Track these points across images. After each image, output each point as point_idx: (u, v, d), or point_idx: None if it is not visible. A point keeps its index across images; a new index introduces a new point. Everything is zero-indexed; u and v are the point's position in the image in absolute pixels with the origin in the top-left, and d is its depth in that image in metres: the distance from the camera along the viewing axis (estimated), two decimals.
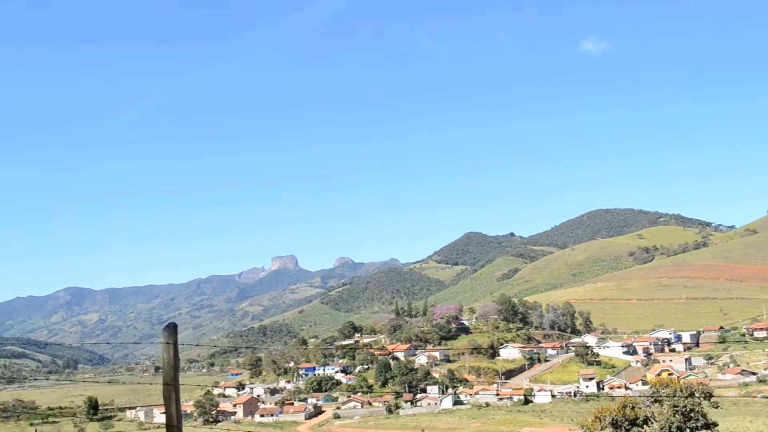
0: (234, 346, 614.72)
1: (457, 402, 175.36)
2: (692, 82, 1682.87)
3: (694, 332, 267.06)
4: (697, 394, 71.24)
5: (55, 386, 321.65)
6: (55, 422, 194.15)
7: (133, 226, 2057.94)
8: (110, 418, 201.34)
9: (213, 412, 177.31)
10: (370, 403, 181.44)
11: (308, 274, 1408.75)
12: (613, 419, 67.87)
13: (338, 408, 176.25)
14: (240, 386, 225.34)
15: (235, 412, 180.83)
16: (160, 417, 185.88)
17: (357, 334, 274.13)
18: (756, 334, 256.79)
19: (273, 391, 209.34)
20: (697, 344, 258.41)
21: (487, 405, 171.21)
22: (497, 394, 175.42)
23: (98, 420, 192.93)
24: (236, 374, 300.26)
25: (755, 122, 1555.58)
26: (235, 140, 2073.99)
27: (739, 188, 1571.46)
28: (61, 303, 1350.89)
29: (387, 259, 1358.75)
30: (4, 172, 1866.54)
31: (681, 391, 72.25)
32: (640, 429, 67.38)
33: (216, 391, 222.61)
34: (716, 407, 76.81)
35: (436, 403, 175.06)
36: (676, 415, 66.06)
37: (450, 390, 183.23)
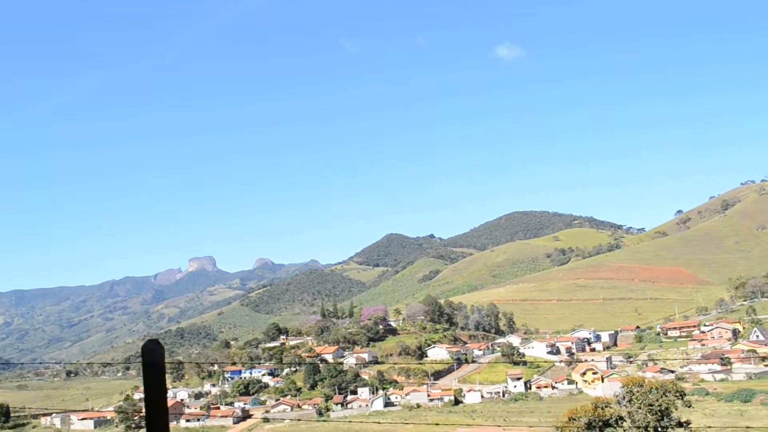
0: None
1: (388, 403, 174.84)
2: (602, 87, 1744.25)
3: (612, 332, 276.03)
4: (669, 394, 72.50)
5: None
6: None
7: (40, 224, 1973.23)
8: (23, 425, 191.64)
9: (135, 418, 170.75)
10: (299, 406, 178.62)
11: (227, 276, 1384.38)
12: (588, 420, 68.01)
13: (267, 411, 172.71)
14: None
15: None
16: (78, 424, 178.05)
17: (282, 336, 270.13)
18: (669, 333, 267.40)
19: (198, 396, 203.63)
20: (615, 343, 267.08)
21: (418, 406, 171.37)
22: (428, 395, 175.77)
23: (10, 428, 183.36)
24: None
25: (663, 126, 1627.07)
26: (149, 130, 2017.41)
27: (647, 192, 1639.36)
28: None
29: (307, 260, 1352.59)
30: None
31: (656, 390, 73.37)
32: (613, 429, 68.03)
33: (137, 396, 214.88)
34: (688, 406, 78.95)
35: (367, 405, 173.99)
36: (651, 414, 67.00)
37: (381, 391, 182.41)
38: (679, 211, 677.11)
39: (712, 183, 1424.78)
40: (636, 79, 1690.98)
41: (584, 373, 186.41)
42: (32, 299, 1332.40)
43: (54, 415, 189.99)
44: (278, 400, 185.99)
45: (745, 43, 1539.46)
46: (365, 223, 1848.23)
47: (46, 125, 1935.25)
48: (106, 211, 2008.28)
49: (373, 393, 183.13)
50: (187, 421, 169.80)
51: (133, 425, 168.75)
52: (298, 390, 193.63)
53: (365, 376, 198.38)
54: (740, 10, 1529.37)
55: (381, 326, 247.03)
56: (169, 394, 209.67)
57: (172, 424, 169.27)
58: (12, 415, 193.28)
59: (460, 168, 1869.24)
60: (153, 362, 6.48)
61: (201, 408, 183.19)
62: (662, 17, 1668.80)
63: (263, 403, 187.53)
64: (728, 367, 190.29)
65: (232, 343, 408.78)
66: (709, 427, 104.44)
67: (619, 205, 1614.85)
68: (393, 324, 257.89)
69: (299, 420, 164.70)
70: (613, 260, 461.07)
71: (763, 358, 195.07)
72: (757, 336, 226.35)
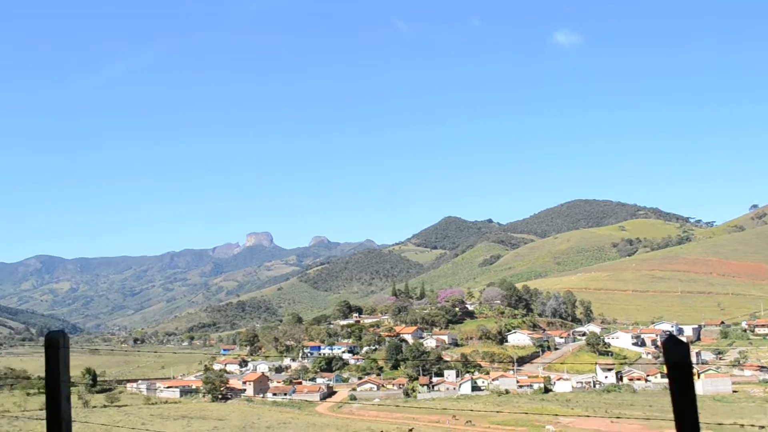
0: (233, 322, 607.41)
1: (475, 388, 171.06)
2: (674, 85, 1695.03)
3: (696, 326, 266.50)
4: None
5: (33, 354, 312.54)
6: None
7: (105, 194, 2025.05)
8: (110, 390, 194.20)
9: (222, 389, 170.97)
10: (383, 386, 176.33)
11: (283, 252, 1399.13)
12: None
13: (353, 389, 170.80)
14: (243, 362, 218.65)
15: (245, 390, 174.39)
16: (164, 392, 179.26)
17: (355, 314, 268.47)
18: (758, 330, 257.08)
19: (278, 369, 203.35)
20: (699, 338, 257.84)
21: (507, 392, 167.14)
22: (517, 382, 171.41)
23: (99, 392, 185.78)
24: (227, 350, 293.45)
25: (733, 122, 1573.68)
26: (212, 100, 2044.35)
27: (716, 185, 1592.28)
28: (31, 270, 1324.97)
29: (363, 240, 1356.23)
30: None
31: None
32: None
33: (216, 367, 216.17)
34: None
35: (454, 388, 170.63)
36: None
37: (467, 375, 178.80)
38: (755, 206, 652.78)
39: None
40: (709, 79, 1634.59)
41: None
42: (96, 267, 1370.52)
43: (140, 381, 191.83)
44: (361, 378, 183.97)
45: None
46: (422, 206, 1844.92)
47: (114, 88, 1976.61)
48: (167, 183, 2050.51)
49: (458, 376, 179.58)
50: (274, 394, 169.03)
51: (220, 396, 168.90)
52: (380, 369, 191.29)
53: (447, 359, 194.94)
54: None
55: (458, 308, 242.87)
56: (250, 366, 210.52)
57: (259, 397, 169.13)
58: (98, 379, 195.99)
59: (519, 154, 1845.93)
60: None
61: (284, 382, 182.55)
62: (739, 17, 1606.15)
63: (346, 380, 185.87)
64: None
65: (284, 319, 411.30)
66: None
67: (685, 197, 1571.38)
68: (470, 307, 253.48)
69: (387, 399, 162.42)
70: (688, 253, 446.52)
71: None
72: None
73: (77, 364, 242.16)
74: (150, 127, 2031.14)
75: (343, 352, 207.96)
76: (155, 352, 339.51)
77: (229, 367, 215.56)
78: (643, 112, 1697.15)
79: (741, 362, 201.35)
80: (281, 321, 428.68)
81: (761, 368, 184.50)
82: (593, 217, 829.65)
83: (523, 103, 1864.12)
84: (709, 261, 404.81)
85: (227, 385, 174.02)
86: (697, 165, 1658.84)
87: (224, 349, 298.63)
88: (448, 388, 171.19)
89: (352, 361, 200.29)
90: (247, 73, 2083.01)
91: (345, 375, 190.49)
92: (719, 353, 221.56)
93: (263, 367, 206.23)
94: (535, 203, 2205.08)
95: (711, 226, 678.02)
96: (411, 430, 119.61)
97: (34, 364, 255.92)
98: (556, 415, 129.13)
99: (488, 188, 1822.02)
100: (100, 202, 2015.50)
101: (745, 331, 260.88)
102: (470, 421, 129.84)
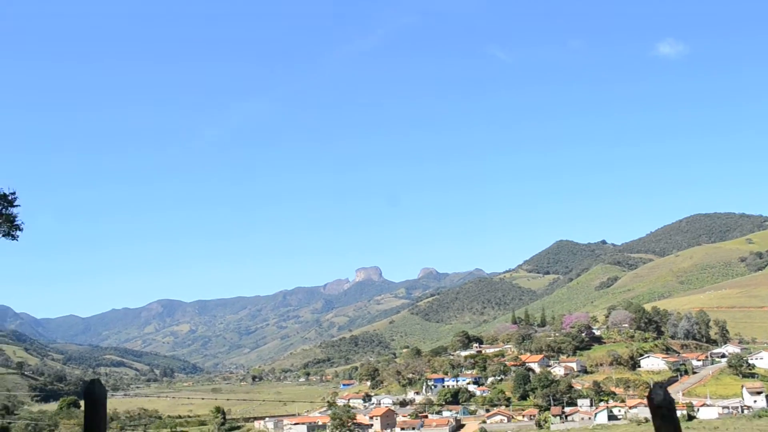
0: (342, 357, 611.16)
1: (611, 416, 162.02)
2: None
3: None
4: None
5: (159, 394, 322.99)
6: (183, 431, 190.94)
7: (221, 240, 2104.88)
8: (238, 428, 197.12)
9: (349, 424, 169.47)
10: (513, 417, 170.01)
11: (392, 285, 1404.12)
12: None
13: (483, 422, 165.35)
14: (366, 397, 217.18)
15: (372, 425, 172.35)
16: (292, 429, 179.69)
17: (475, 344, 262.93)
18: None
19: (402, 403, 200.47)
20: None
21: (647, 420, 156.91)
22: None
23: (228, 430, 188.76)
24: (348, 384, 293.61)
25: None
26: (314, 161, 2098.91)
27: None
28: (153, 314, 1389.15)
29: (472, 269, 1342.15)
30: (104, 187, 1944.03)
31: None
32: None
33: (340, 402, 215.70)
34: None
35: (589, 418, 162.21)
36: None
37: (602, 404, 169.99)
38: None
39: None
40: None
41: None
42: (213, 309, 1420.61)
43: (267, 419, 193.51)
44: (488, 411, 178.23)
45: None
46: (530, 231, 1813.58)
47: (216, 151, 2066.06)
48: (279, 225, 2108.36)
49: (592, 405, 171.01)
50: (402, 429, 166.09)
51: (347, 431, 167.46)
52: (508, 400, 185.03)
53: (578, 387, 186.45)
54: None
55: (584, 334, 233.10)
56: (374, 401, 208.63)
57: (386, 431, 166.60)
58: (228, 417, 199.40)
59: (631, 174, 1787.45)
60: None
61: (410, 416, 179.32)
62: None
63: (473, 412, 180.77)
64: None
65: (402, 351, 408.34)
66: None
67: None
68: (596, 332, 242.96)
69: (519, 431, 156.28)
70: None
71: None
72: None
73: (201, 403, 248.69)
74: (256, 181, 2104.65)
75: (468, 383, 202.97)
76: (274, 389, 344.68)
77: (352, 402, 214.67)
78: (756, 111, 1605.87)
79: None
80: (395, 354, 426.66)
81: None
82: (716, 231, 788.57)
83: (627, 124, 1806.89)
84: None
85: (354, 421, 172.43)
86: None
87: (344, 384, 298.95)
88: (582, 418, 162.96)
89: (477, 393, 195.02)
90: (347, 107, 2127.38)
91: (472, 407, 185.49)
92: None
93: (387, 401, 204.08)
94: (652, 221, 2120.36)
95: None
96: None
97: (160, 404, 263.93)
98: None
99: (600, 209, 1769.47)
100: (218, 247, 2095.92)
101: None
102: None
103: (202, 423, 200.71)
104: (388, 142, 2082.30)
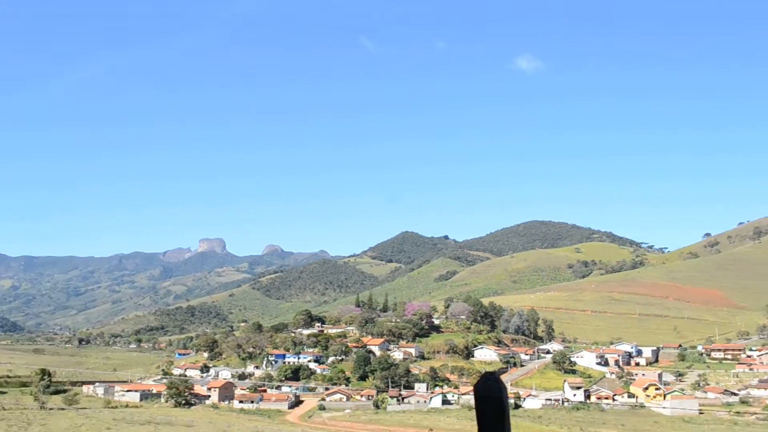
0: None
1: (445, 401, 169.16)
2: (631, 109, 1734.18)
3: (654, 348, 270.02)
4: None
5: None
6: (2, 392, 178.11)
7: (55, 194, 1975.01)
8: (64, 392, 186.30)
9: (186, 395, 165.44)
10: (352, 396, 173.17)
11: (235, 259, 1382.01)
12: None
13: (323, 400, 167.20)
14: (204, 368, 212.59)
15: (209, 396, 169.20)
16: (125, 395, 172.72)
17: (318, 324, 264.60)
18: (714, 354, 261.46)
19: (242, 376, 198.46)
20: (657, 360, 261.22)
21: None
22: None
23: (53, 393, 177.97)
24: (184, 354, 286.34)
25: (686, 152, 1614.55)
26: (169, 111, 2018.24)
27: (668, 212, 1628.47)
28: None
29: (317, 250, 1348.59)
30: None
31: None
32: None
33: (176, 371, 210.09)
34: None
35: (425, 401, 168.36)
36: None
37: (437, 389, 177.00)
38: (707, 234, 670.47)
39: (739, 209, 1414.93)
40: (667, 104, 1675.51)
41: (647, 388, 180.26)
42: (41, 266, 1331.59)
43: (97, 384, 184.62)
44: (328, 388, 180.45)
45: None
46: (378, 220, 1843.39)
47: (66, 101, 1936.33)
48: (120, 186, 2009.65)
49: (428, 390, 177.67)
50: (240, 402, 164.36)
51: (183, 401, 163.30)
52: (347, 379, 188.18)
53: (416, 371, 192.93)
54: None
55: (424, 322, 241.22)
56: (212, 372, 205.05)
57: (225, 404, 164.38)
58: (53, 380, 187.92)
59: (476, 173, 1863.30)
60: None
61: (249, 390, 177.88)
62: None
63: (313, 389, 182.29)
64: None
65: (240, 325, 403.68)
66: None
67: (637, 222, 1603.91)
68: (436, 321, 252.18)
69: (357, 410, 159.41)
70: (644, 277, 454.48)
71: None
72: None
73: (23, 363, 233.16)
74: (108, 132, 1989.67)
75: (309, 361, 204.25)
76: (102, 354, 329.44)
77: (189, 372, 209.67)
78: (597, 136, 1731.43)
79: (701, 385, 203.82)
80: (233, 327, 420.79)
81: (726, 392, 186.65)
82: (548, 238, 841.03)
83: (481, 122, 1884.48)
84: (665, 285, 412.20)
85: (191, 391, 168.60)
86: (651, 190, 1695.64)
87: (180, 353, 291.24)
88: (418, 401, 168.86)
89: (318, 371, 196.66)
90: (206, 86, 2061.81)
91: (312, 384, 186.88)
92: (679, 375, 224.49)
93: (226, 374, 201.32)
94: (492, 222, 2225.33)
95: (663, 251, 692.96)
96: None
97: None
98: None
99: (446, 205, 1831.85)
100: (51, 201, 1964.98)
101: (701, 354, 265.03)
102: None
103: (24, 384, 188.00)
104: (247, 121, 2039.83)
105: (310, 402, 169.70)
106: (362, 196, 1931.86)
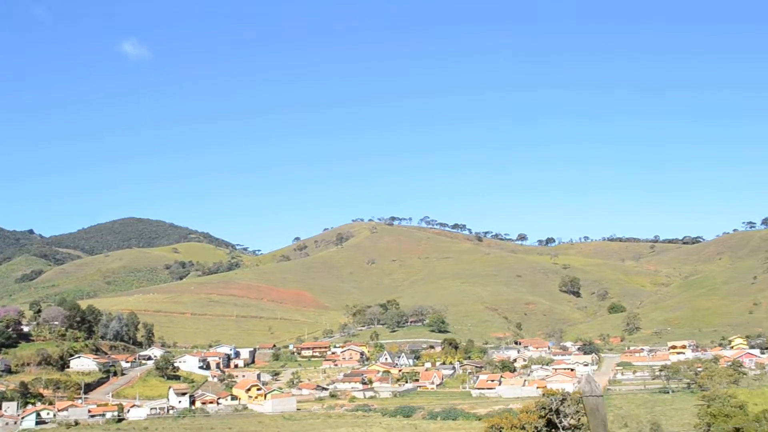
0: None
1: (40, 421, 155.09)
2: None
3: (251, 349, 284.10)
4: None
5: None
6: None
7: None
8: None
9: None
10: None
11: None
12: None
13: None
14: None
15: None
16: None
17: None
18: (304, 352, 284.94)
19: None
20: (254, 360, 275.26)
21: (77, 423, 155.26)
22: (89, 412, 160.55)
23: None
24: None
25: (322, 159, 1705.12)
26: None
27: (262, 217, 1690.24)
28: None
29: None
30: None
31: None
32: None
33: None
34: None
35: (15, 422, 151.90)
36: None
37: (30, 406, 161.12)
38: (297, 238, 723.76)
39: (325, 216, 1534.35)
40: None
41: (249, 389, 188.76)
42: None
43: None
44: None
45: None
46: None
47: None
48: None
49: (19, 409, 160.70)
50: None
51: None
52: None
53: (2, 388, 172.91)
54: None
55: (11, 330, 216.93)
56: None
57: None
58: None
59: (58, 160, 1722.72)
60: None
61: None
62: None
63: None
64: (369, 385, 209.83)
65: None
66: None
67: (233, 224, 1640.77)
68: (26, 328, 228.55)
69: None
70: (241, 278, 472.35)
71: (397, 379, 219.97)
72: (386, 359, 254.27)
73: None
74: None
75: None
76: None
77: None
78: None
79: (295, 382, 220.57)
80: None
81: (318, 387, 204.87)
82: (145, 237, 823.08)
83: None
84: (260, 287, 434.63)
85: None
86: (245, 198, 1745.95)
87: None
88: (8, 423, 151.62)
89: None
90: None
91: None
92: (275, 374, 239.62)
93: None
94: (84, 218, 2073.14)
95: (257, 254, 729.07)
96: None
97: None
98: None
99: (29, 196, 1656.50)
100: None
101: (293, 353, 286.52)
102: None
103: None
104: None
105: None
106: None
